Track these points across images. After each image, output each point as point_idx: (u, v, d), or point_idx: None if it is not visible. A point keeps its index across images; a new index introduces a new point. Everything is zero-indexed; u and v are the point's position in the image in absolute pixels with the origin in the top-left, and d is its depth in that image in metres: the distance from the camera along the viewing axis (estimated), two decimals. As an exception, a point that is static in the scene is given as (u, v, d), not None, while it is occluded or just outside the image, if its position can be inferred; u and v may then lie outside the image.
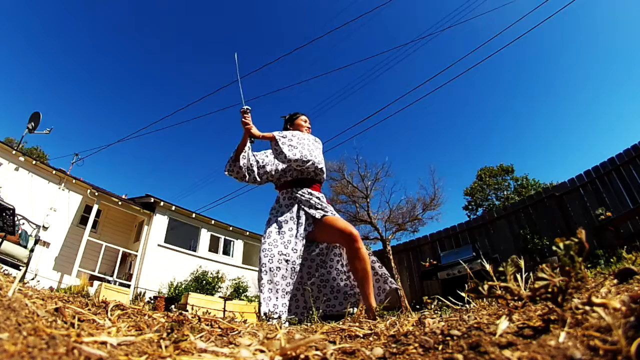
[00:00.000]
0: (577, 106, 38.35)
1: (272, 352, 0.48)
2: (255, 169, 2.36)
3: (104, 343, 0.48)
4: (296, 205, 2.12)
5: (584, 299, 0.52)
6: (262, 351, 0.49)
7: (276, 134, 2.15)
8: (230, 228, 12.81)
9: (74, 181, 10.21)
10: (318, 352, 0.50)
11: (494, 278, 0.63)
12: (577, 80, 38.91)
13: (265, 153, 2.47)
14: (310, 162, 2.13)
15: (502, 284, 0.60)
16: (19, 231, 3.88)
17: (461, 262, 4.93)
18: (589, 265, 4.04)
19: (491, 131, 39.33)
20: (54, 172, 9.94)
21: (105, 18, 34.46)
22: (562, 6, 7.48)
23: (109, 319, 0.69)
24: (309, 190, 2.17)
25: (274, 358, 0.47)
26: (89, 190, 10.11)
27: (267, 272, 1.84)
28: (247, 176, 2.33)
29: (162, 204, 11.14)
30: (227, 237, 12.72)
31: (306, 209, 2.08)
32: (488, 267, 0.73)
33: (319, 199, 2.13)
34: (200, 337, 0.67)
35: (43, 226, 8.79)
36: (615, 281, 0.89)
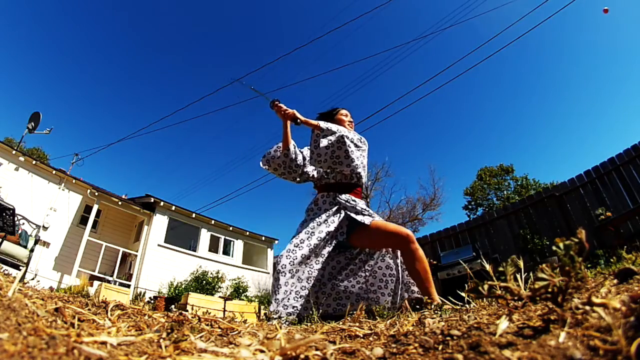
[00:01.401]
0: (578, 106, 38.38)
1: (272, 352, 0.48)
2: (297, 167, 2.21)
3: (104, 343, 0.48)
4: (335, 210, 2.02)
5: (584, 299, 0.52)
6: (262, 351, 0.49)
7: (322, 123, 2.00)
8: (230, 228, 12.81)
9: (74, 181, 10.22)
10: (318, 352, 0.50)
11: (494, 278, 0.63)
12: (578, 80, 38.93)
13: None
14: (344, 165, 2.02)
15: (502, 284, 0.60)
16: (19, 231, 3.88)
17: (461, 262, 4.93)
18: (589, 265, 4.04)
19: (491, 131, 39.30)
20: (54, 172, 9.95)
21: (105, 18, 34.48)
22: (562, 6, 7.49)
23: (109, 319, 0.69)
24: (352, 197, 2.08)
25: (274, 358, 0.47)
26: (89, 190, 10.12)
27: (285, 273, 1.79)
28: (286, 174, 2.20)
29: (162, 204, 11.15)
30: (227, 237, 12.73)
31: (352, 215, 1.97)
32: (488, 267, 0.73)
33: (364, 206, 2.05)
34: (200, 337, 0.67)
35: (43, 226, 8.79)
36: (615, 281, 0.89)
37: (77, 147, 28.91)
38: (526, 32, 8.41)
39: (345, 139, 2.01)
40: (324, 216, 1.98)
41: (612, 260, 2.73)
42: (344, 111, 2.35)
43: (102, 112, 43.56)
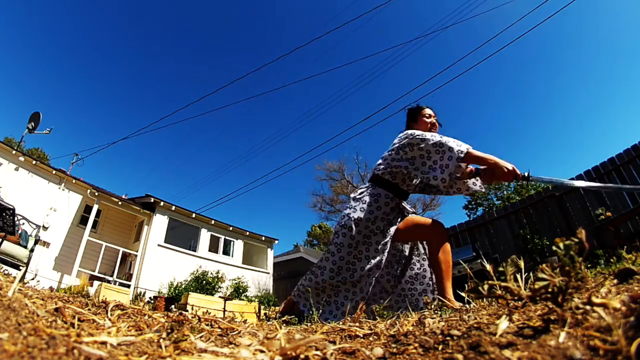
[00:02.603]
0: (578, 106, 38.39)
1: (272, 352, 0.48)
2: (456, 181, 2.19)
3: (104, 343, 0.48)
4: (393, 218, 2.03)
5: (584, 299, 0.52)
6: (262, 351, 0.49)
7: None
8: (230, 228, 12.81)
9: (74, 181, 10.21)
10: (318, 352, 0.50)
11: (494, 278, 0.62)
12: (578, 80, 38.94)
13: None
14: (442, 189, 2.20)
15: (502, 284, 0.60)
16: (19, 231, 3.88)
17: (461, 262, 4.92)
18: (589, 265, 4.03)
19: (491, 131, 39.35)
20: (54, 172, 9.94)
21: (105, 18, 34.50)
22: (562, 6, 7.49)
23: (109, 319, 0.69)
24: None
25: (274, 358, 0.47)
26: (89, 190, 10.12)
27: (346, 282, 1.87)
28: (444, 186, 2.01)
29: (162, 204, 11.14)
30: (227, 237, 12.72)
31: (406, 214, 2.08)
32: (488, 267, 0.73)
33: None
34: (200, 337, 0.67)
35: (43, 226, 8.79)
36: (615, 281, 0.89)
37: (77, 147, 28.86)
38: (526, 32, 8.41)
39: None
40: (385, 222, 2.00)
41: (612, 260, 2.73)
42: (427, 110, 2.20)
43: (102, 112, 43.68)
